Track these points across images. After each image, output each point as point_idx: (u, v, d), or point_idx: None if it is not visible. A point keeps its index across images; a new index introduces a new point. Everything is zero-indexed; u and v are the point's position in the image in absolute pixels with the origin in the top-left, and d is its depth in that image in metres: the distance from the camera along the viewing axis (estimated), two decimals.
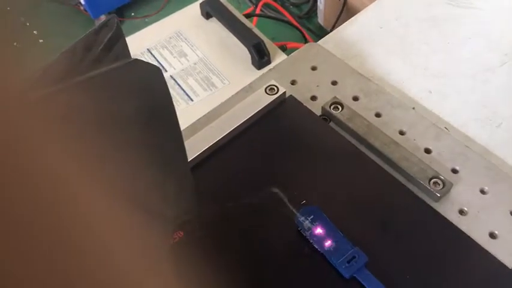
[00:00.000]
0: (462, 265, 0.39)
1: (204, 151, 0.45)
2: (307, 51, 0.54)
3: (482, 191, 0.43)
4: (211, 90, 0.68)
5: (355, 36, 0.56)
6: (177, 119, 0.29)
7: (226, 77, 0.69)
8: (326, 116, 0.48)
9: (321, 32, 1.20)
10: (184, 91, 0.69)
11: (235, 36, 0.69)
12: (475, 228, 0.41)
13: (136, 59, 0.33)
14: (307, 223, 0.40)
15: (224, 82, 0.69)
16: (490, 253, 0.39)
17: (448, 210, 0.42)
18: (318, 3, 1.22)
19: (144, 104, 0.29)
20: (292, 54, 0.54)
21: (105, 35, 0.34)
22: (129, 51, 0.35)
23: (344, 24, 0.58)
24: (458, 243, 0.40)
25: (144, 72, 0.32)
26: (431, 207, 0.42)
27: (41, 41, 1.40)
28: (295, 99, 0.49)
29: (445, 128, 0.48)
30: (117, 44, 0.34)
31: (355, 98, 0.49)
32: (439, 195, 0.42)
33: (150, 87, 0.30)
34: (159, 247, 0.26)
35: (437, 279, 0.38)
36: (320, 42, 0.56)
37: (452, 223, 0.41)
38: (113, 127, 0.27)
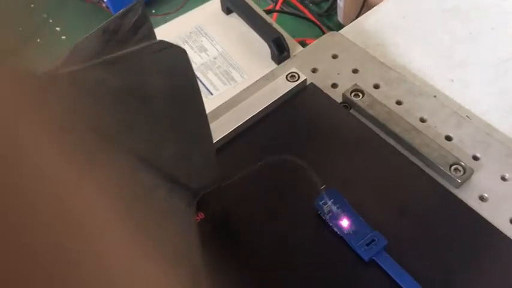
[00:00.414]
0: (482, 251, 0.39)
1: (224, 136, 0.46)
2: (328, 39, 0.54)
3: (503, 178, 0.42)
4: (230, 84, 0.69)
5: (376, 26, 0.56)
6: (201, 96, 0.30)
7: (246, 72, 0.70)
8: (347, 103, 0.48)
9: (340, 30, 1.20)
10: (204, 85, 0.70)
11: (255, 30, 0.70)
12: (495, 215, 0.40)
13: (162, 40, 0.34)
14: (326, 207, 0.41)
15: (244, 76, 0.69)
16: (510, 239, 0.39)
17: (468, 196, 0.42)
18: (338, 0, 1.22)
19: (169, 82, 0.30)
20: (313, 43, 0.55)
21: (131, 18, 0.35)
22: (154, 33, 0.36)
23: (365, 14, 0.58)
24: (479, 229, 0.40)
25: (169, 52, 0.33)
26: (451, 193, 0.42)
27: (63, 37, 1.42)
28: (316, 86, 0.49)
29: (467, 116, 0.48)
30: (142, 27, 0.35)
31: (376, 86, 0.50)
32: (459, 181, 0.42)
33: (175, 66, 0.31)
34: (185, 218, 0.27)
35: (457, 264, 0.38)
36: (341, 31, 0.56)
37: (472, 209, 0.41)
38: (139, 102, 0.28)
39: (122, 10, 0.35)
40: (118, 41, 0.32)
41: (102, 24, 0.33)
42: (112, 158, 0.27)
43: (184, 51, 0.33)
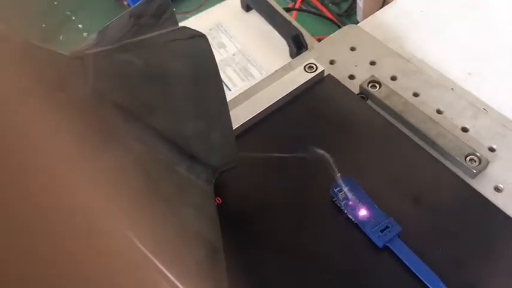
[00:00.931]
0: (496, 240, 0.39)
1: (242, 125, 0.47)
2: (346, 32, 0.55)
3: None
4: (248, 80, 0.70)
5: (394, 20, 0.57)
6: (220, 79, 0.31)
7: (264, 68, 0.71)
8: (363, 94, 0.49)
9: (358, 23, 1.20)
10: (222, 81, 0.71)
11: (274, 27, 0.70)
12: (510, 205, 0.41)
13: (184, 26, 0.35)
14: (341, 194, 0.41)
15: (262, 73, 0.70)
16: None
17: (483, 187, 0.42)
18: (358, 0, 1.22)
19: (190, 64, 0.31)
20: (331, 35, 0.55)
21: (154, 4, 0.36)
22: (176, 20, 0.37)
23: (384, 8, 0.59)
24: (493, 219, 0.40)
25: (191, 37, 0.34)
26: (466, 183, 0.42)
27: (85, 34, 1.45)
28: (333, 77, 0.50)
29: (483, 108, 0.48)
30: (165, 14, 0.36)
31: (393, 78, 0.50)
32: (475, 171, 0.42)
33: (195, 50, 0.32)
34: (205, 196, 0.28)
35: (471, 253, 0.39)
36: (359, 24, 0.57)
37: (487, 199, 0.41)
38: (161, 83, 0.29)
39: None
40: (142, 25, 0.33)
41: (128, 9, 0.34)
42: (131, 136, 0.28)
43: (204, 36, 0.34)
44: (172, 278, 0.23)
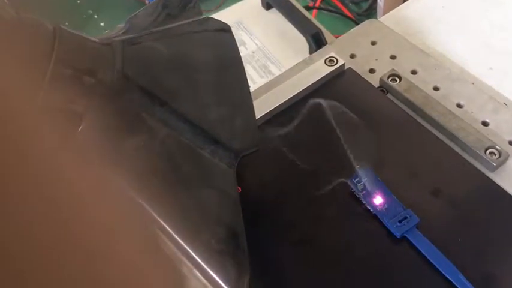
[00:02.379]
0: None
1: (262, 116, 0.47)
2: (367, 27, 0.55)
3: None
4: (268, 77, 0.71)
5: (416, 15, 0.57)
6: (243, 67, 0.32)
7: (284, 66, 0.71)
8: (384, 88, 0.49)
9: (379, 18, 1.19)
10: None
11: (294, 25, 0.71)
12: None
13: (208, 17, 0.36)
14: (360, 185, 0.42)
15: (281, 70, 0.71)
16: None
17: (503, 180, 0.42)
18: (378, 0, 1.21)
19: (214, 53, 0.32)
20: (352, 30, 0.56)
21: None
22: (201, 10, 0.38)
23: (405, 3, 0.59)
24: None
25: (215, 27, 0.34)
26: (486, 176, 0.42)
27: (106, 31, 1.47)
28: (354, 71, 0.51)
29: (504, 103, 0.48)
30: (190, 3, 0.37)
31: (414, 72, 0.50)
32: (494, 164, 0.42)
33: (219, 40, 0.33)
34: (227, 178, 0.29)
35: (489, 244, 0.39)
36: (380, 19, 0.57)
37: (507, 192, 0.41)
38: (187, 69, 0.30)
39: None
40: (168, 14, 0.34)
41: (154, 1, 0.35)
42: (157, 120, 0.29)
43: (228, 26, 0.35)
44: (192, 253, 0.24)
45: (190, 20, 0.34)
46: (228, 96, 0.31)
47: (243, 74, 0.32)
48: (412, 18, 0.57)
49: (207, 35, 0.33)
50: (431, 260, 0.38)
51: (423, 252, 0.38)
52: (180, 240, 0.23)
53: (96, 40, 0.30)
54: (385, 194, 0.41)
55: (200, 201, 0.27)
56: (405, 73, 0.50)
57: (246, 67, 0.73)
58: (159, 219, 0.23)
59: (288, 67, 0.70)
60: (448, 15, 0.57)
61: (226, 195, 0.29)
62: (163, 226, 0.24)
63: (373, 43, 0.53)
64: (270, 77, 0.69)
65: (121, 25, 0.35)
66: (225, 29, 0.35)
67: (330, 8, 1.27)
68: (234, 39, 0.35)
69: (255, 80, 0.70)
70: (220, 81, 0.31)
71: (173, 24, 0.33)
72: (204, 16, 0.36)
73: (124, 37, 0.31)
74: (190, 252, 0.24)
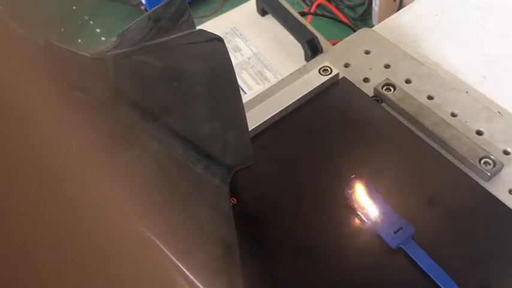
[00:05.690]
0: (510, 243, 0.39)
1: (256, 127, 0.47)
2: (361, 36, 0.55)
3: None
4: (264, 84, 0.71)
5: (409, 23, 0.57)
6: (236, 80, 0.32)
7: (279, 72, 0.71)
8: (378, 97, 0.49)
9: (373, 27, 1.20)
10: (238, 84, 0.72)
11: (289, 31, 0.71)
12: None
13: (201, 29, 0.36)
14: (355, 195, 0.42)
15: (277, 76, 0.71)
16: None
17: (498, 189, 0.42)
18: (373, 5, 1.22)
19: (207, 66, 0.31)
20: (346, 39, 0.56)
21: (173, 8, 0.37)
22: (194, 23, 0.38)
23: (399, 11, 0.59)
24: (507, 221, 0.40)
25: (208, 40, 0.34)
26: (480, 186, 0.42)
27: (103, 38, 1.47)
28: (348, 80, 0.51)
29: (498, 112, 0.48)
30: (183, 17, 0.37)
31: (408, 81, 0.50)
32: (489, 174, 0.42)
33: (212, 52, 0.33)
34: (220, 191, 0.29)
35: (484, 255, 0.39)
36: (374, 28, 0.57)
37: (501, 202, 0.41)
38: (179, 83, 0.30)
39: (164, 1, 0.37)
40: (160, 28, 0.34)
41: (147, 12, 0.35)
42: (149, 136, 0.29)
43: (221, 39, 0.35)
44: (187, 272, 0.24)
45: (183, 33, 0.34)
46: (221, 110, 0.31)
47: (236, 88, 0.32)
48: (406, 27, 0.57)
49: (200, 49, 0.33)
50: (426, 271, 0.38)
51: (418, 263, 0.38)
52: (174, 259, 0.23)
53: (88, 55, 0.30)
54: (379, 204, 0.41)
55: (194, 218, 0.27)
56: (399, 82, 0.50)
57: (242, 73, 0.74)
58: (152, 237, 0.23)
59: (283, 73, 0.70)
60: (442, 23, 0.57)
61: (219, 211, 0.29)
62: (158, 244, 0.23)
63: (367, 52, 0.53)
64: (266, 84, 0.69)
65: (113, 38, 0.34)
66: (219, 42, 0.35)
67: (326, 13, 1.27)
68: (227, 51, 0.35)
69: (251, 87, 0.71)
70: (213, 95, 0.31)
71: (166, 38, 0.33)
72: (196, 29, 0.36)
73: (116, 52, 0.31)
74: (184, 271, 0.24)
